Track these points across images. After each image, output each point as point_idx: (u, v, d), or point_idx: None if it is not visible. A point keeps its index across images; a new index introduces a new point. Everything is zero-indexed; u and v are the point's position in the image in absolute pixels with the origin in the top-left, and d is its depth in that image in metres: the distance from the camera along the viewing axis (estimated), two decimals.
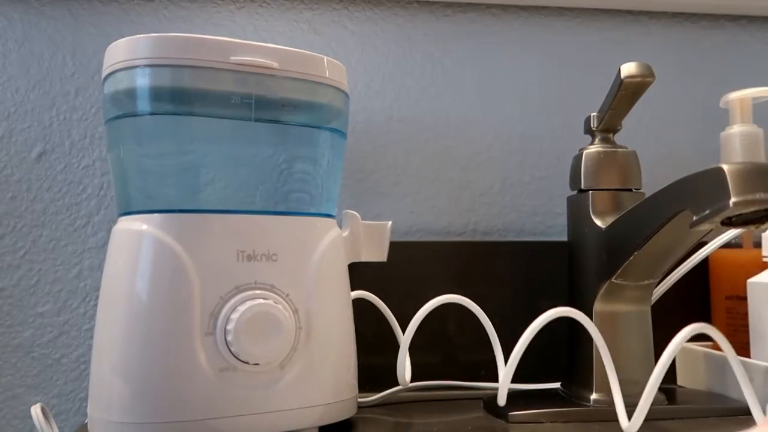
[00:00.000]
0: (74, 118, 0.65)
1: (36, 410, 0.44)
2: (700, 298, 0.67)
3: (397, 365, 0.53)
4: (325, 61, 0.48)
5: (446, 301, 0.53)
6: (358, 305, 0.53)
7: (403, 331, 0.54)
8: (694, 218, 0.41)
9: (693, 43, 0.76)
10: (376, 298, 0.57)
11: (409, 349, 0.54)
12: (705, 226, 0.42)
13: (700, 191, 0.41)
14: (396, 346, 0.54)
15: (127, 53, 0.44)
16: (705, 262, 0.63)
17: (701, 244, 0.60)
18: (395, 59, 0.71)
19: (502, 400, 0.50)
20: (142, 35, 0.44)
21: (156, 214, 0.43)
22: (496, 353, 0.54)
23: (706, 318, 0.65)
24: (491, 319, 0.54)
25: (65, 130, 0.65)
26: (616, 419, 0.46)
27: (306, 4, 0.70)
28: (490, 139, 0.72)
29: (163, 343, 0.41)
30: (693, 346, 0.61)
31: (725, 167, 0.39)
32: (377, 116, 0.70)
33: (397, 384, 0.54)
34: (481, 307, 0.54)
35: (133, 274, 0.42)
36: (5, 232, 0.64)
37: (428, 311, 0.53)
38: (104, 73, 0.46)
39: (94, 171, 0.65)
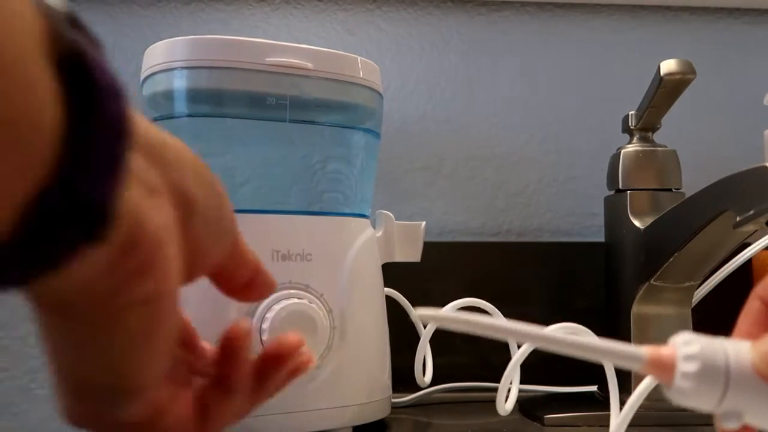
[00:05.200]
0: None
1: None
2: (742, 301, 0.65)
3: (415, 365, 0.52)
4: (359, 61, 0.48)
5: (463, 305, 0.51)
6: (393, 307, 0.53)
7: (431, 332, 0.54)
8: (738, 219, 0.40)
9: (735, 38, 0.74)
10: (400, 295, 0.56)
11: (441, 350, 0.53)
12: (749, 227, 0.41)
13: (743, 191, 0.40)
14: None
15: (165, 56, 0.45)
16: (748, 264, 0.61)
17: (744, 245, 0.58)
18: (429, 59, 0.70)
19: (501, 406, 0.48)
20: (179, 38, 0.45)
21: None
22: (512, 355, 0.52)
23: None
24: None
25: None
26: (653, 424, 0.45)
27: (339, 5, 0.70)
28: (524, 139, 0.71)
29: None
30: None
31: None
32: (411, 116, 0.70)
33: (432, 385, 0.54)
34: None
35: None
36: None
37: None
38: (143, 76, 0.47)
39: None
